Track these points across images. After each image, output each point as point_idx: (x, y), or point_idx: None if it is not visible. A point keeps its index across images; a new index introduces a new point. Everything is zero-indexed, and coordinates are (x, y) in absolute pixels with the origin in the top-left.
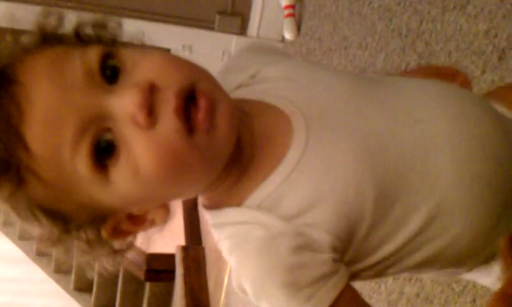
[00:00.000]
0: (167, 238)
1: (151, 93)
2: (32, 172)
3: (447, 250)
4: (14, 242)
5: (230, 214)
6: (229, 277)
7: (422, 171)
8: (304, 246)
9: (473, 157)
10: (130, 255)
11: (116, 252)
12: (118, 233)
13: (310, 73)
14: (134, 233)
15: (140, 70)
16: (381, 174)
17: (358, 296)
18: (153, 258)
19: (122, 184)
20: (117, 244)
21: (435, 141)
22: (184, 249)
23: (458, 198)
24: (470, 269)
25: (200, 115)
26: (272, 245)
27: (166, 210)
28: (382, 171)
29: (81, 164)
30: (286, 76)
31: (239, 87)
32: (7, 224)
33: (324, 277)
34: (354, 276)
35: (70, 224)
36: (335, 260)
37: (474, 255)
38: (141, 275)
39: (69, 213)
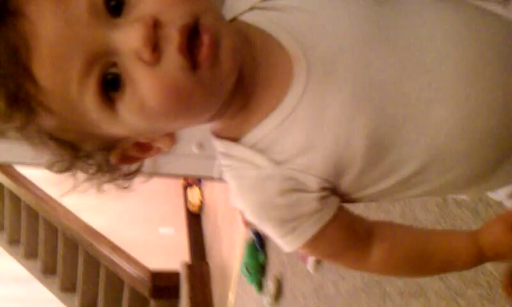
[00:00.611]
0: (171, 255)
1: (155, 29)
2: (42, 105)
3: (446, 188)
4: (19, 261)
5: (230, 148)
6: (234, 294)
7: (422, 124)
8: (291, 188)
9: (480, 112)
10: (135, 272)
11: (125, 175)
12: (125, 159)
13: (328, 6)
14: (141, 159)
15: (144, 3)
16: (376, 126)
17: (344, 227)
18: (157, 275)
19: (128, 117)
20: (125, 169)
21: (441, 93)
22: (189, 266)
23: (457, 151)
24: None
25: (204, 51)
26: (262, 186)
27: (172, 138)
28: (378, 122)
29: (88, 98)
30: (301, 7)
31: (251, 9)
32: (12, 242)
33: (309, 214)
34: (350, 201)
35: (80, 151)
36: (321, 199)
37: (475, 186)
38: (146, 292)
39: (79, 141)
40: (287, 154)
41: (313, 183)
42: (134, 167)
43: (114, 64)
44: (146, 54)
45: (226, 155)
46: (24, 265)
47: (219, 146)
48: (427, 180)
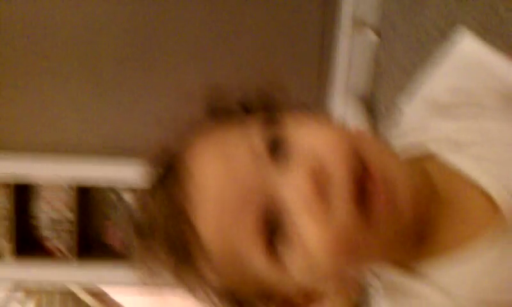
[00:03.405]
0: None
1: (321, 175)
2: (203, 258)
3: None
4: None
5: (408, 285)
6: None
7: None
8: None
9: None
10: None
11: None
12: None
13: None
14: None
15: (304, 142)
16: None
17: None
18: None
19: (296, 271)
20: None
21: None
22: None
23: None
24: None
25: (379, 204)
26: None
27: (346, 286)
28: None
29: (257, 255)
30: (486, 141)
31: (440, 140)
32: None
33: None
34: None
35: (239, 298)
36: None
37: None
38: None
39: (238, 292)
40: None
41: None
42: None
43: (280, 215)
44: (315, 205)
45: (392, 284)
46: None
47: (388, 273)
48: None
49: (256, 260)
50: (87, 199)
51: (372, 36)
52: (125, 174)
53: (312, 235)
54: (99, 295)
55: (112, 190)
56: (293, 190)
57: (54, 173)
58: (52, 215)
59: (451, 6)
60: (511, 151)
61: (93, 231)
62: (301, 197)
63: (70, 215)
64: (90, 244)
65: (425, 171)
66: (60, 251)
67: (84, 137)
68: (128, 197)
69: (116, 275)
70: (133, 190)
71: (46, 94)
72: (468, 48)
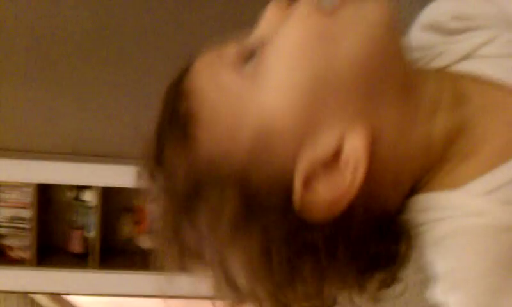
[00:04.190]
0: None
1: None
2: (195, 117)
3: None
4: None
5: (439, 199)
6: None
7: None
8: None
9: None
10: None
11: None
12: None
13: None
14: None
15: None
16: None
17: None
18: None
19: (274, 74)
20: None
21: None
22: None
23: None
24: None
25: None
26: (497, 237)
27: (367, 132)
28: None
29: (225, 71)
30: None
31: (466, 57)
32: None
33: None
34: None
35: (250, 187)
36: None
37: None
38: None
39: (243, 168)
40: None
41: None
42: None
43: (252, 47)
44: (277, 7)
45: (429, 209)
46: None
47: (419, 201)
48: None
49: (227, 79)
50: (48, 204)
51: None
52: (87, 177)
53: (287, 31)
54: (55, 296)
55: (74, 192)
56: (261, 29)
57: (14, 175)
58: (13, 218)
59: None
60: None
61: (55, 237)
62: (265, 18)
63: (30, 217)
64: (51, 250)
65: (461, 91)
66: (21, 257)
67: (46, 138)
68: (90, 199)
69: (78, 283)
70: (96, 192)
71: (4, 95)
72: None
